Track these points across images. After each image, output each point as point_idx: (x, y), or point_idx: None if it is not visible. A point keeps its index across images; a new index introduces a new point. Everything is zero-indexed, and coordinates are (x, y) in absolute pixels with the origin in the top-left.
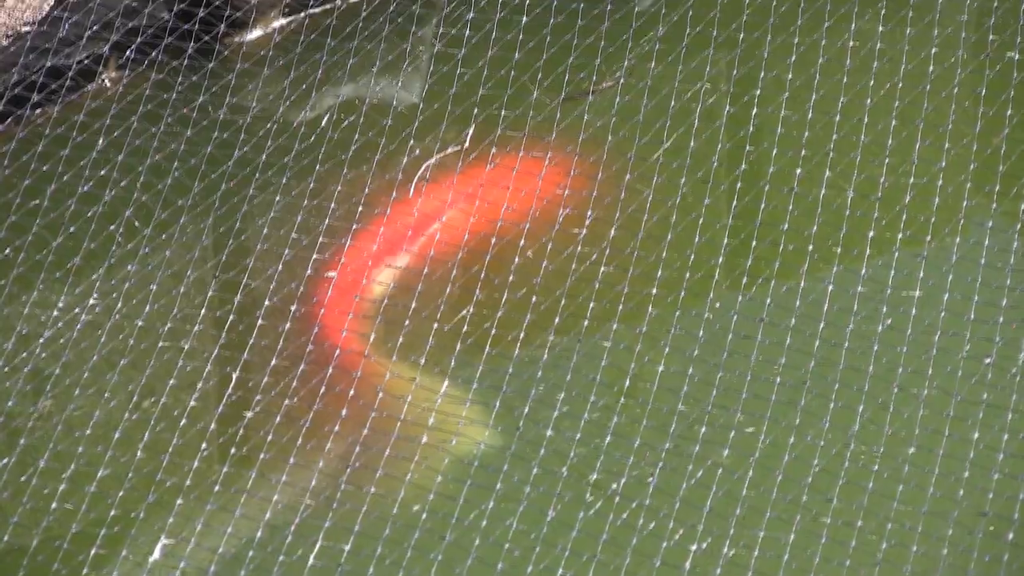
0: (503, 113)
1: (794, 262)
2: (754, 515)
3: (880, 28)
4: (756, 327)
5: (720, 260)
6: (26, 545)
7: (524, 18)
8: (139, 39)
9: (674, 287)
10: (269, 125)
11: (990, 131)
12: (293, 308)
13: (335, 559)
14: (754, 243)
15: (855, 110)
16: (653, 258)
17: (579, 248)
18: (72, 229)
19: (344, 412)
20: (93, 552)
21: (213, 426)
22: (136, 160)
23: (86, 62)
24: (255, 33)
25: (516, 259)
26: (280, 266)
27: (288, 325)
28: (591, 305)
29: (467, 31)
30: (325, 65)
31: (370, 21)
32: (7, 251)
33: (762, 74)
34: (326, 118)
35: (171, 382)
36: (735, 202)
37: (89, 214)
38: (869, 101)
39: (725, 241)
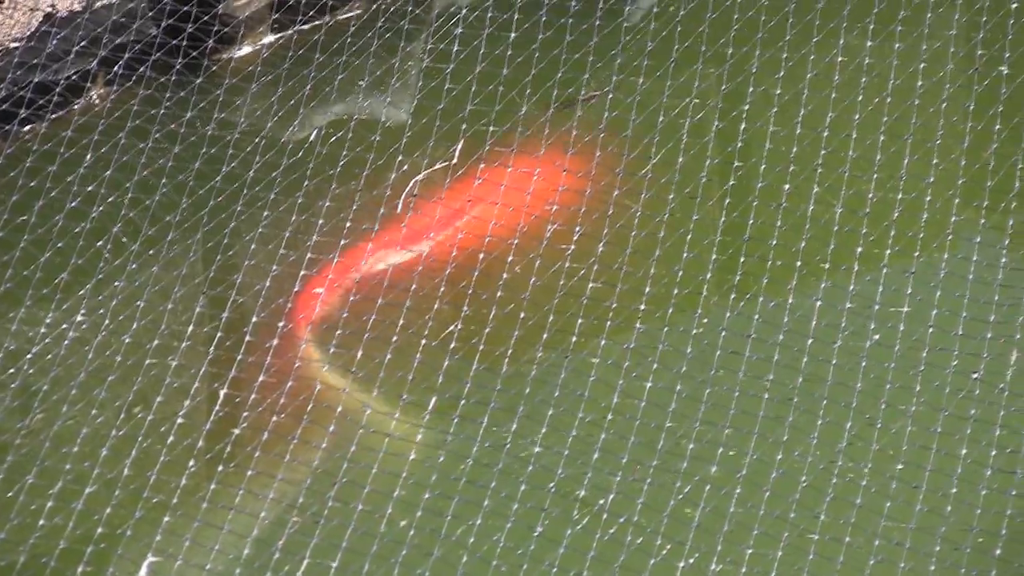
0: (491, 129)
1: (782, 277)
2: (741, 531)
3: (868, 43)
4: (744, 343)
5: (708, 276)
6: (13, 562)
7: (512, 34)
8: (127, 55)
9: (662, 303)
10: (257, 141)
11: (978, 146)
12: (281, 324)
13: (323, 575)
14: (742, 259)
15: (843, 125)
16: (641, 273)
17: (567, 264)
18: (60, 245)
19: (331, 428)
20: (80, 569)
21: (201, 443)
22: (124, 176)
23: (74, 78)
24: (244, 49)
25: (504, 274)
26: (268, 282)
27: (276, 341)
28: (579, 321)
29: (455, 46)
30: (313, 81)
31: (358, 37)
32: None
33: (750, 89)
34: (314, 134)
35: (158, 398)
36: (723, 217)
37: (77, 230)
38: (857, 116)
39: (713, 256)
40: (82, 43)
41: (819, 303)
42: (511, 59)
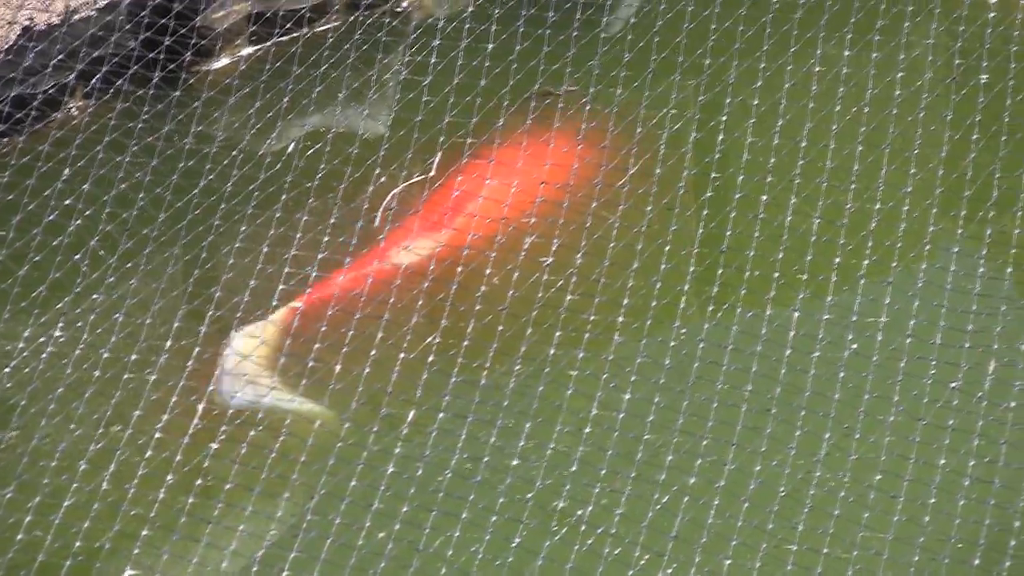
0: (469, 141)
1: (760, 288)
2: (720, 541)
3: (846, 53)
4: (722, 353)
5: (686, 287)
6: None
7: (490, 45)
8: (105, 68)
9: (640, 314)
10: (235, 153)
11: (956, 155)
12: (259, 338)
13: None
14: (720, 269)
15: (821, 135)
16: (619, 285)
17: (545, 275)
18: (37, 259)
19: (309, 442)
20: None
21: (179, 456)
22: (102, 190)
23: (52, 91)
24: (221, 61)
25: (482, 287)
26: (246, 296)
27: (255, 356)
28: (557, 332)
29: (433, 58)
30: (291, 93)
31: (336, 49)
32: None
33: (728, 100)
34: (292, 146)
35: (137, 412)
36: (701, 229)
37: (55, 244)
38: (835, 126)
39: (691, 267)
40: (60, 56)
41: (797, 313)
42: (488, 70)
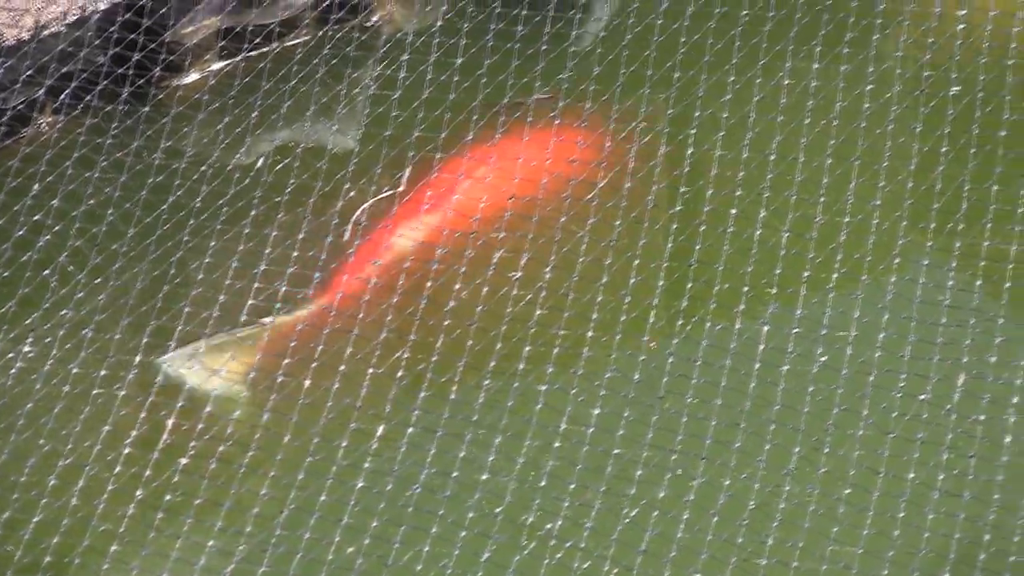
0: (439, 155)
1: (729, 302)
2: (689, 555)
3: (815, 65)
4: (691, 367)
5: (655, 300)
6: None
7: (458, 60)
8: (74, 83)
9: (609, 328)
10: (204, 168)
11: (925, 168)
12: (229, 353)
13: None
14: (689, 283)
15: (790, 148)
16: (588, 299)
17: (514, 290)
18: (7, 274)
19: (279, 456)
20: None
21: (148, 472)
22: (71, 205)
23: (21, 107)
24: (191, 76)
25: (451, 301)
26: (216, 310)
27: (225, 370)
28: (526, 347)
29: (402, 73)
30: (260, 108)
31: (305, 64)
32: None
33: (697, 113)
34: (261, 161)
35: (106, 428)
36: (670, 242)
37: (24, 259)
38: (804, 139)
39: (660, 281)
40: (29, 72)
41: (766, 327)
42: (457, 84)
